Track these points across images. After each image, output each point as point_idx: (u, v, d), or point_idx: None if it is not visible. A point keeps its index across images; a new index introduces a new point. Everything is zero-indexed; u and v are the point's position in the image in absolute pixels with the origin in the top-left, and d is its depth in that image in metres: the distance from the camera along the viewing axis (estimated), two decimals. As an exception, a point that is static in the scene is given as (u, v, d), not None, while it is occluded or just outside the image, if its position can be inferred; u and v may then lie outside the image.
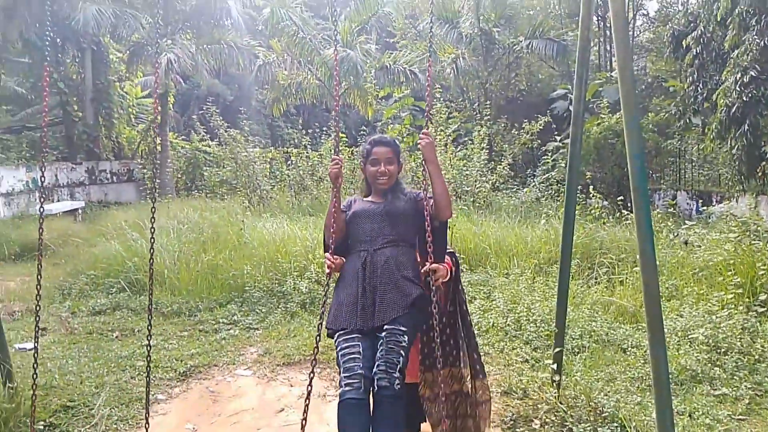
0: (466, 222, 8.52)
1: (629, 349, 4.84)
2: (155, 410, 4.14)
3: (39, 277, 2.96)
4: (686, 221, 8.87)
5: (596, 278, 6.62)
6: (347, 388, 2.43)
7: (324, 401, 4.24)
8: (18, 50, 17.69)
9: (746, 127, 10.41)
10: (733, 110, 10.52)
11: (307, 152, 13.83)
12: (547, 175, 12.95)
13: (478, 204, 11.22)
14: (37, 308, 2.97)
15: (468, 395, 3.01)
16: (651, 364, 2.66)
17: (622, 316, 5.64)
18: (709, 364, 4.38)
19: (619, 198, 9.60)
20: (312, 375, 2.60)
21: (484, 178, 11.96)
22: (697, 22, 13.01)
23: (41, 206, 2.92)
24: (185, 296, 6.63)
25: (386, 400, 2.43)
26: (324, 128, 15.77)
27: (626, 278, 6.40)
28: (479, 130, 13.37)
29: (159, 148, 18.65)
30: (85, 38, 17.41)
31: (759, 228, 6.72)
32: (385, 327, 2.55)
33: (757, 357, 4.49)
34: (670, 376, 3.91)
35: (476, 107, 18.57)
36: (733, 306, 5.19)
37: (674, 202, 12.59)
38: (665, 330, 3.02)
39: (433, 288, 2.68)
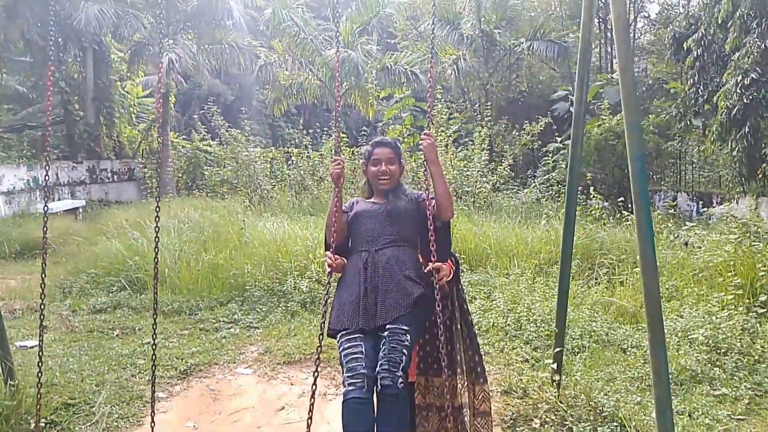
0: (467, 222, 8.53)
1: (629, 349, 4.85)
2: (156, 408, 4.13)
3: (43, 275, 2.99)
4: (686, 222, 8.88)
5: (596, 279, 6.62)
6: (351, 388, 2.45)
7: (324, 400, 4.24)
8: (19, 49, 17.72)
9: (747, 129, 10.42)
10: (734, 112, 10.53)
11: (307, 152, 13.85)
12: (547, 176, 12.96)
13: (478, 204, 11.23)
14: (42, 306, 3.00)
15: (461, 409, 2.89)
16: (651, 364, 2.67)
17: (622, 316, 5.65)
18: (709, 365, 4.39)
19: (619, 199, 9.60)
20: (316, 374, 2.62)
21: (484, 179, 11.97)
22: (698, 24, 13.03)
23: (45, 204, 2.94)
24: (186, 295, 6.64)
25: (390, 398, 2.45)
26: (325, 128, 15.79)
27: (626, 279, 6.40)
28: (480, 131, 13.38)
29: (160, 147, 18.70)
30: (87, 38, 17.42)
31: (759, 229, 6.73)
32: (388, 326, 2.56)
33: (756, 357, 4.50)
34: (670, 376, 3.92)
35: (477, 108, 18.58)
36: (733, 307, 5.20)
37: (675, 203, 12.60)
38: (665, 330, 3.03)
39: (436, 287, 2.68)
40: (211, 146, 17.03)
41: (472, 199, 11.33)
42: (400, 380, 2.47)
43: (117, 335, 5.66)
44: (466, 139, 15.34)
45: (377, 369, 2.48)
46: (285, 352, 5.05)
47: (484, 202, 11.48)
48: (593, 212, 8.56)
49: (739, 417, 3.74)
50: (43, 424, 3.71)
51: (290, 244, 7.48)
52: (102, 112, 19.04)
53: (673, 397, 3.40)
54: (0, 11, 15.09)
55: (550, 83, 20.73)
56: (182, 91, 22.75)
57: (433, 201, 2.78)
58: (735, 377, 4.24)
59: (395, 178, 2.96)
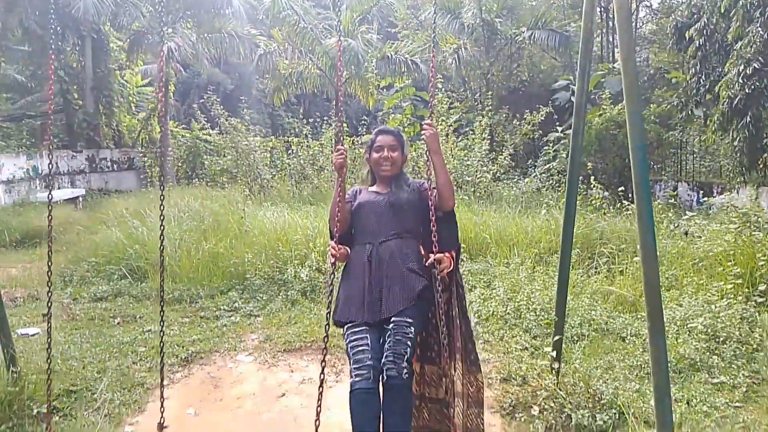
0: (467, 212, 8.53)
1: (628, 337, 4.87)
2: (157, 395, 4.16)
3: (49, 263, 3.00)
4: (687, 212, 8.88)
5: (596, 268, 6.64)
6: (357, 379, 2.56)
7: (324, 387, 4.26)
8: (18, 38, 17.63)
9: (748, 119, 10.39)
10: (736, 102, 10.49)
11: (307, 141, 13.82)
12: (548, 165, 12.93)
13: (478, 194, 11.23)
14: (49, 294, 3.04)
15: (454, 400, 2.89)
16: (650, 353, 2.68)
17: (621, 305, 5.67)
18: (708, 353, 4.41)
19: (620, 189, 9.60)
20: (323, 363, 2.69)
21: (485, 169, 11.95)
22: (700, 13, 12.94)
23: (50, 193, 2.97)
24: (186, 283, 6.66)
25: (395, 388, 2.52)
26: (325, 118, 15.74)
27: (626, 268, 6.41)
28: (480, 121, 13.33)
29: (159, 136, 18.65)
30: (86, 26, 17.33)
31: (759, 219, 6.72)
32: (393, 319, 2.62)
33: (755, 346, 4.52)
34: (669, 364, 3.94)
35: (478, 97, 18.50)
36: (732, 296, 5.21)
37: (675, 193, 12.59)
38: (665, 319, 3.04)
39: (438, 277, 2.71)
40: (210, 135, 17.00)
41: (473, 189, 11.32)
42: (405, 371, 2.54)
43: (118, 323, 5.68)
44: (467, 129, 15.30)
45: (383, 360, 2.56)
46: (285, 339, 5.07)
47: (485, 191, 11.47)
48: (594, 202, 8.55)
49: (737, 404, 3.77)
50: (45, 410, 3.74)
51: (290, 233, 7.49)
52: (101, 101, 18.98)
53: (671, 385, 3.42)
54: (-2, -1, 15.01)
55: (551, 73, 20.62)
56: (181, 80, 22.67)
57: (435, 191, 2.80)
58: (733, 365, 4.27)
59: (397, 165, 2.99)
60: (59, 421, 3.71)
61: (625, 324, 5.12)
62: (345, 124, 16.02)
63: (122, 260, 7.28)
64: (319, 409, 2.63)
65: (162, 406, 2.95)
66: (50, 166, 3.02)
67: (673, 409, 2.96)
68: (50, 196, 2.96)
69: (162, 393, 3.04)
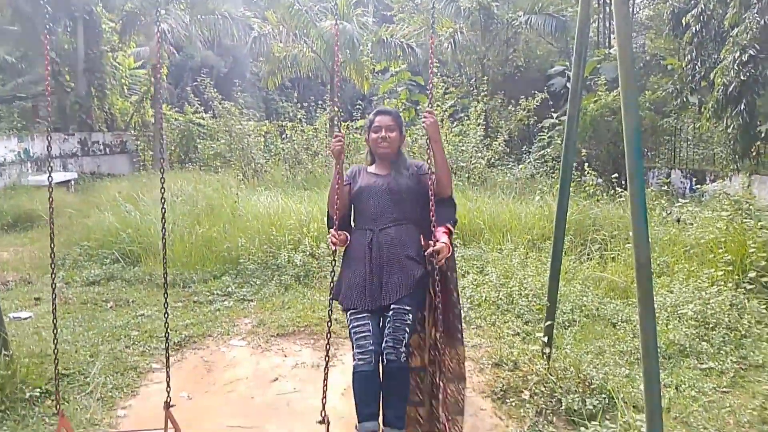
0: (461, 198, 8.53)
1: (619, 323, 4.92)
2: (150, 379, 4.19)
3: (52, 245, 3.07)
4: (680, 199, 8.91)
5: (589, 254, 6.67)
6: (360, 362, 2.73)
7: (318, 371, 4.28)
8: (7, 18, 17.34)
9: (742, 107, 10.39)
10: (730, 89, 10.48)
11: (302, 126, 13.74)
12: (542, 151, 12.93)
13: (473, 180, 11.23)
14: (53, 275, 3.15)
15: (426, 375, 2.95)
16: (640, 338, 2.70)
17: (612, 291, 5.71)
18: (697, 339, 4.46)
19: (613, 175, 9.62)
20: (328, 345, 2.85)
21: (479, 154, 11.94)
22: (697, -1, 12.88)
23: (49, 175, 2.99)
24: (179, 268, 6.64)
25: (394, 371, 2.70)
26: (319, 102, 15.64)
27: (618, 255, 6.45)
28: (476, 106, 13.29)
29: (152, 119, 18.48)
30: (77, 7, 17.07)
31: (751, 207, 6.75)
32: (392, 306, 2.77)
33: (743, 332, 4.57)
34: (659, 349, 3.98)
35: (473, 83, 18.42)
36: (722, 283, 5.26)
37: (668, 180, 12.62)
38: (655, 305, 3.06)
39: (436, 265, 2.79)
40: (204, 119, 16.86)
41: (467, 175, 11.31)
42: (404, 355, 2.71)
43: (111, 307, 5.68)
44: (462, 114, 15.25)
45: (383, 345, 2.73)
46: (279, 324, 5.09)
47: (479, 177, 11.46)
48: (587, 188, 8.57)
49: (724, 389, 3.82)
50: (38, 394, 3.75)
51: (284, 218, 7.48)
52: (93, 84, 18.75)
53: (661, 371, 3.46)
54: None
55: (547, 58, 20.52)
56: (174, 63, 22.43)
57: (434, 176, 2.87)
58: (722, 351, 4.32)
59: (395, 145, 3.06)
60: (52, 405, 3.72)
61: (616, 310, 5.16)
62: (339, 109, 15.93)
63: (115, 244, 7.25)
64: (325, 389, 2.82)
65: (168, 386, 3.02)
66: (48, 148, 3.03)
67: (662, 394, 3.00)
68: (50, 179, 2.99)
69: (168, 372, 3.11)
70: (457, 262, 3.32)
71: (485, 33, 17.82)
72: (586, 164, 9.33)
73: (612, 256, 6.51)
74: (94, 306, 5.67)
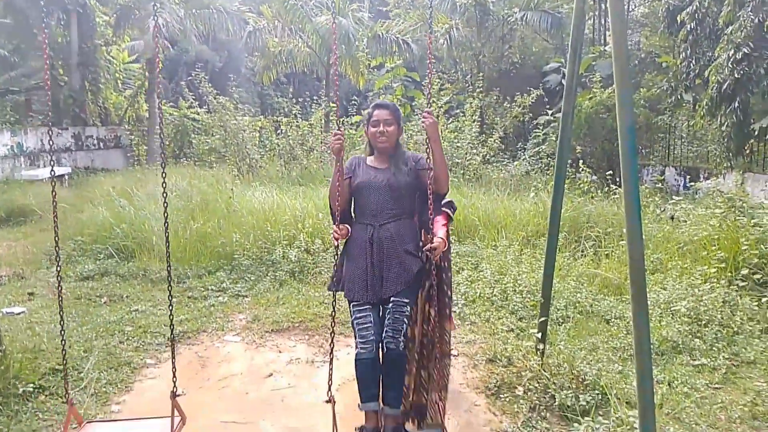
0: (456, 194, 8.53)
1: (612, 320, 4.94)
2: (144, 374, 4.18)
3: (56, 239, 3.12)
4: (673, 197, 8.95)
5: (583, 251, 6.69)
6: (362, 350, 2.94)
7: (312, 366, 4.29)
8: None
9: (736, 105, 10.42)
10: (724, 87, 10.51)
11: (297, 122, 13.70)
12: (537, 148, 12.93)
13: (468, 176, 11.23)
14: (58, 269, 3.24)
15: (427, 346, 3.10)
16: (633, 335, 2.71)
17: (606, 288, 5.73)
18: (690, 336, 4.49)
19: (608, 173, 9.64)
20: (332, 334, 3.07)
21: (474, 151, 11.93)
22: (692, -4, 12.88)
23: (52, 169, 3.03)
24: (174, 263, 6.62)
25: (394, 357, 2.93)
26: (315, 97, 15.59)
27: (612, 251, 6.48)
28: (471, 103, 13.28)
29: (147, 114, 18.39)
30: (71, 0, 16.94)
31: (744, 204, 6.79)
32: (392, 299, 2.96)
33: (735, 329, 4.60)
34: (652, 346, 4.00)
35: (469, 79, 18.38)
36: (715, 280, 5.30)
37: (662, 177, 12.65)
38: (648, 302, 3.08)
39: (432, 261, 2.99)
40: (198, 114, 16.79)
41: (462, 171, 11.32)
42: (402, 343, 2.94)
43: (105, 302, 5.66)
44: (457, 111, 15.24)
45: (383, 335, 2.94)
46: (273, 320, 5.08)
47: (474, 174, 11.47)
48: (582, 185, 8.59)
49: (716, 386, 3.84)
50: (31, 389, 3.74)
51: (279, 214, 7.47)
52: (87, 78, 18.64)
53: (653, 367, 3.48)
54: (-21, -30, 14.62)
55: (542, 55, 20.51)
56: (169, 57, 22.31)
57: (432, 172, 2.96)
58: (714, 348, 4.34)
59: (393, 139, 3.15)
60: (45, 400, 3.71)
61: (609, 307, 5.18)
62: (335, 105, 15.89)
63: (109, 239, 7.23)
64: (331, 370, 3.02)
65: (174, 376, 3.06)
66: (50, 143, 3.04)
67: (654, 390, 3.02)
68: (53, 172, 3.02)
69: (173, 363, 3.13)
70: (451, 258, 3.43)
71: (481, 29, 17.80)
72: (581, 161, 9.32)
73: (606, 252, 6.53)
74: (88, 301, 5.66)
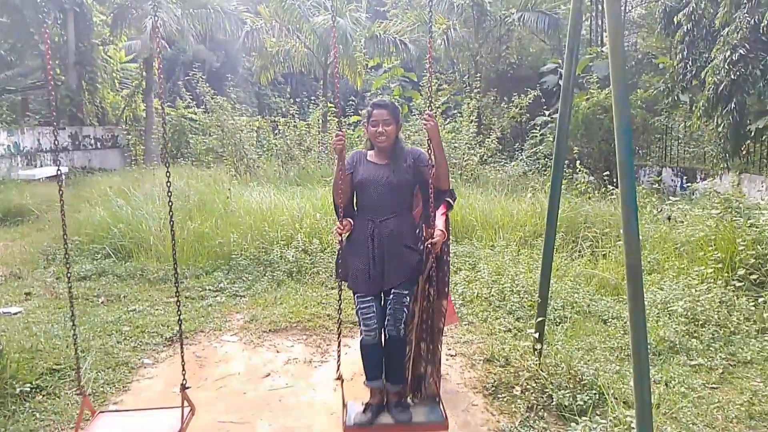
0: (454, 194, 8.54)
1: (609, 320, 4.95)
2: (142, 374, 4.18)
3: (65, 236, 3.19)
4: (670, 197, 8.97)
5: (580, 251, 6.71)
6: (367, 337, 3.18)
7: (310, 366, 4.30)
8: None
9: (733, 106, 10.46)
10: (721, 88, 10.55)
11: (294, 122, 13.69)
12: (534, 149, 12.95)
13: (465, 177, 11.24)
14: (68, 266, 3.14)
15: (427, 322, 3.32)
16: (631, 335, 2.72)
17: (603, 288, 5.74)
18: (687, 336, 4.50)
19: (605, 173, 9.66)
20: (339, 322, 3.35)
21: (472, 151, 11.95)
22: (689, -2, 12.92)
23: (58, 168, 3.11)
24: (171, 263, 6.59)
25: (395, 342, 3.20)
26: (312, 97, 15.59)
27: (609, 252, 6.49)
28: (468, 103, 13.29)
29: (143, 113, 18.34)
30: (67, -1, 16.92)
31: (741, 205, 6.81)
32: (393, 291, 3.15)
33: (732, 329, 4.62)
34: (649, 346, 4.01)
35: (466, 80, 18.43)
36: (712, 280, 5.31)
37: (659, 178, 12.69)
38: (645, 302, 3.09)
39: (432, 253, 3.17)
40: (196, 114, 16.78)
41: (460, 172, 11.33)
42: (402, 330, 3.18)
43: (102, 302, 5.65)
44: (455, 111, 15.25)
45: (385, 323, 3.17)
46: (271, 320, 5.08)
47: (471, 174, 11.48)
48: (579, 186, 8.61)
49: (713, 386, 3.86)
50: (28, 389, 3.73)
51: (276, 214, 7.47)
52: (84, 77, 18.60)
53: (651, 367, 3.49)
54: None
55: (539, 56, 20.55)
56: (166, 57, 22.23)
57: (434, 169, 3.12)
58: (711, 348, 4.36)
59: (392, 137, 3.25)
60: (43, 400, 3.71)
61: (606, 307, 5.20)
62: (332, 105, 15.90)
63: (106, 239, 7.21)
64: (339, 350, 3.31)
65: (183, 369, 3.15)
66: (55, 142, 3.11)
67: (651, 390, 3.03)
68: (59, 171, 3.10)
69: (182, 356, 3.23)
70: (449, 243, 3.57)
71: (478, 30, 17.83)
72: (578, 162, 9.34)
73: (603, 253, 6.55)
74: (85, 301, 5.64)
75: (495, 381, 3.88)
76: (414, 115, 14.28)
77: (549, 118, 13.37)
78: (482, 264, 6.18)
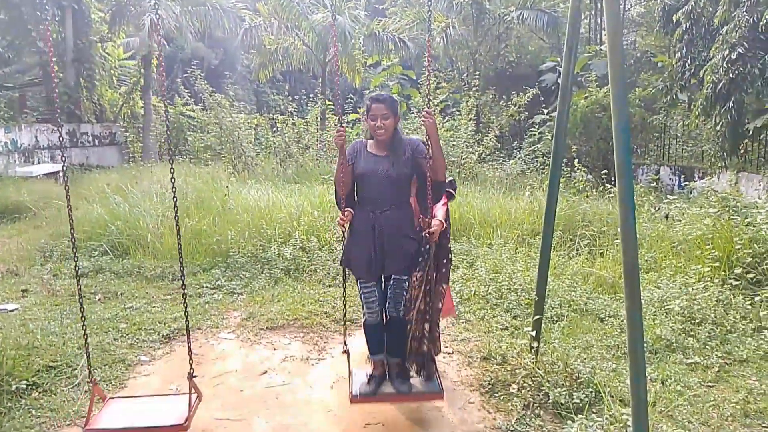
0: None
1: (606, 318, 4.96)
2: (138, 371, 4.18)
3: (72, 230, 3.37)
4: (668, 196, 8.98)
5: (577, 250, 6.71)
6: (369, 317, 3.47)
7: (307, 364, 4.30)
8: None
9: (731, 104, 10.47)
10: (719, 87, 10.55)
11: (293, 119, 13.68)
12: (533, 147, 12.96)
13: (463, 175, 11.25)
14: (75, 259, 3.15)
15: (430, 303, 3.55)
16: (627, 332, 2.73)
17: (600, 286, 5.74)
18: (683, 334, 4.51)
19: (603, 172, 9.67)
20: (344, 301, 3.67)
21: (470, 150, 11.95)
22: (688, -4, 12.91)
23: (63, 165, 3.21)
24: (168, 261, 6.61)
25: (395, 322, 3.46)
26: (311, 95, 15.57)
27: (607, 250, 6.50)
28: (467, 101, 13.30)
29: (141, 110, 18.30)
30: (66, -5, 16.86)
31: (738, 204, 6.82)
32: (393, 277, 3.40)
33: (728, 328, 4.63)
34: (646, 344, 4.02)
35: (465, 78, 18.42)
36: (709, 279, 5.32)
37: (657, 176, 12.70)
38: (642, 300, 3.09)
39: (431, 240, 3.37)
40: (194, 111, 16.75)
41: (458, 170, 11.33)
42: (402, 311, 3.43)
43: (99, 299, 5.64)
44: (453, 109, 15.26)
45: (386, 304, 3.44)
46: (268, 318, 5.08)
47: (470, 172, 11.49)
48: (577, 184, 8.61)
49: (709, 384, 3.87)
50: (24, 386, 3.73)
51: (274, 212, 7.46)
52: (82, 74, 18.53)
53: (647, 365, 3.50)
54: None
55: (538, 54, 20.54)
56: (164, 54, 22.10)
57: (431, 162, 3.29)
58: (707, 346, 4.36)
59: (390, 130, 3.39)
60: (39, 397, 3.70)
61: (603, 305, 5.20)
62: (330, 102, 15.89)
63: (103, 236, 7.20)
64: (345, 325, 3.67)
65: (190, 359, 3.27)
66: (60, 138, 3.17)
67: (648, 388, 3.03)
68: (64, 168, 3.25)
69: (189, 346, 3.33)
70: (450, 231, 3.78)
71: (477, 28, 17.82)
72: (576, 160, 9.34)
73: (600, 251, 6.55)
74: (82, 298, 5.62)
75: (492, 379, 3.88)
76: (413, 113, 14.28)
77: (547, 117, 13.37)
78: (480, 262, 6.18)
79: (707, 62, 11.32)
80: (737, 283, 5.28)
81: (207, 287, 5.97)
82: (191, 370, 3.23)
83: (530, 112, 14.43)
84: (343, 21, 16.57)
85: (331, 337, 4.75)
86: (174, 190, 3.24)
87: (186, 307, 3.39)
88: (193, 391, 3.22)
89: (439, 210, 3.47)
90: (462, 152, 11.80)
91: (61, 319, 4.96)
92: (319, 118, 14.74)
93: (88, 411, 3.15)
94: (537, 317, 4.02)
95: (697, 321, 4.70)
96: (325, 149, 13.14)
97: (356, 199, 3.52)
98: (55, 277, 6.32)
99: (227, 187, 8.69)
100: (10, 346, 4.05)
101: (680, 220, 7.01)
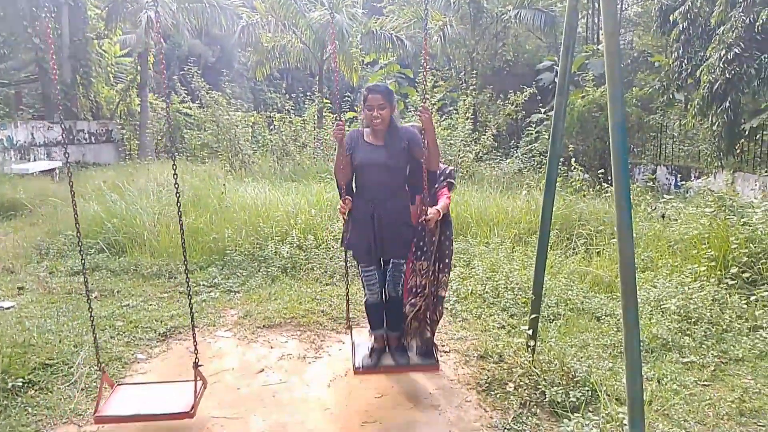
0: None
1: (603, 317, 4.97)
2: (135, 369, 4.17)
3: (77, 225, 3.46)
4: (664, 195, 9.01)
5: (574, 249, 6.72)
6: (370, 297, 3.76)
7: (304, 362, 4.30)
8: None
9: (727, 104, 10.51)
10: (716, 87, 10.60)
11: (290, 117, 13.67)
12: (530, 146, 12.98)
13: (460, 174, 11.25)
14: (82, 254, 3.08)
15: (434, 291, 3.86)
16: (623, 331, 2.73)
17: (597, 285, 5.76)
18: (679, 333, 4.52)
19: (600, 171, 9.69)
20: (347, 284, 3.97)
21: (467, 148, 11.96)
22: (685, -4, 12.94)
23: (67, 161, 3.28)
24: (165, 258, 6.60)
25: (394, 302, 3.76)
26: (308, 93, 15.56)
27: (603, 249, 6.51)
28: (464, 100, 13.30)
29: (138, 108, 18.25)
30: (62, -8, 16.79)
31: (734, 203, 6.85)
32: (392, 261, 3.67)
33: (724, 327, 4.65)
34: (642, 343, 4.03)
35: (462, 77, 18.42)
36: (705, 278, 5.34)
37: (654, 176, 12.74)
38: (639, 299, 3.11)
39: (427, 228, 3.63)
40: (191, 109, 16.71)
41: (455, 169, 11.33)
42: (400, 292, 3.75)
43: (95, 297, 5.62)
44: (451, 108, 15.26)
45: (386, 286, 3.72)
46: (265, 316, 5.08)
47: (467, 171, 11.50)
48: (574, 183, 8.63)
49: (705, 383, 3.88)
50: (20, 384, 3.72)
51: (271, 210, 7.45)
52: (78, 71, 18.47)
53: (643, 364, 3.51)
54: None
55: (536, 53, 20.57)
56: (161, 51, 22.15)
57: (426, 152, 3.44)
58: (703, 345, 4.38)
59: (386, 119, 3.50)
60: (35, 395, 3.69)
61: (600, 304, 5.21)
62: (328, 101, 15.87)
63: (100, 234, 7.17)
64: (347, 299, 3.94)
65: (195, 348, 3.42)
66: (63, 135, 3.25)
67: (644, 387, 3.04)
68: (68, 165, 3.38)
69: (194, 335, 3.51)
70: (451, 220, 4.03)
71: (475, 26, 17.82)
72: (573, 159, 9.37)
73: (597, 250, 6.57)
74: (78, 296, 5.61)
75: (488, 377, 3.88)
76: (410, 111, 14.27)
77: (545, 116, 13.39)
78: (477, 261, 6.19)
79: (704, 62, 11.36)
80: (733, 282, 5.30)
81: (204, 285, 5.96)
82: (196, 359, 3.38)
83: (527, 111, 14.45)
84: (340, 19, 16.55)
85: (328, 336, 4.75)
86: (177, 186, 3.27)
87: (190, 300, 3.52)
88: (198, 378, 3.37)
89: (441, 200, 3.70)
90: (459, 151, 11.81)
91: (57, 316, 4.95)
92: (316, 116, 14.73)
93: (97, 399, 3.30)
94: (534, 316, 4.03)
95: (693, 320, 4.72)
96: (322, 147, 13.13)
97: (354, 187, 3.66)
98: (51, 274, 6.30)
99: (224, 185, 8.69)
100: (6, 343, 4.04)
101: (676, 220, 7.03)
